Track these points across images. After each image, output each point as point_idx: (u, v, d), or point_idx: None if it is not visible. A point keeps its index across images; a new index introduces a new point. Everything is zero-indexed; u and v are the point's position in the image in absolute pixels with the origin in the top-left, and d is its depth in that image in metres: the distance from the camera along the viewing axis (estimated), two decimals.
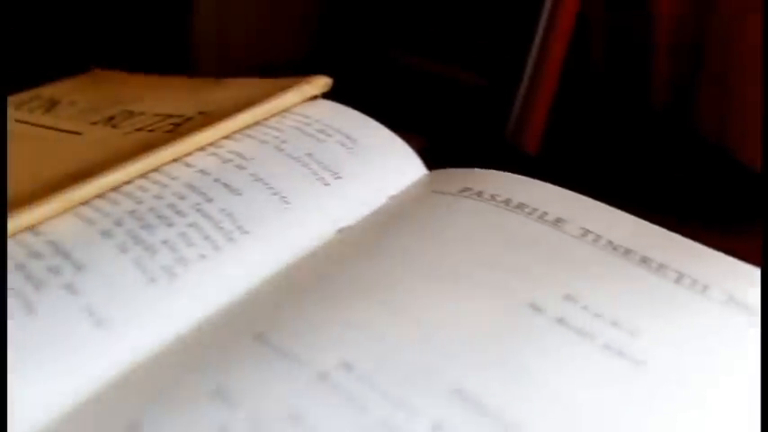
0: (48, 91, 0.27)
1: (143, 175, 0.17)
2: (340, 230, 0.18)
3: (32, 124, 0.23)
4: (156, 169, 0.18)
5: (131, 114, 0.22)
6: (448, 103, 0.27)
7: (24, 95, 0.27)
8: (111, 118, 0.22)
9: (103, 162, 0.18)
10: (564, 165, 0.27)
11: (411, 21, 0.29)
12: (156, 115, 0.22)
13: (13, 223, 0.15)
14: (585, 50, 0.30)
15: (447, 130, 0.24)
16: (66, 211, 0.16)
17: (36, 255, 0.15)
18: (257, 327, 0.14)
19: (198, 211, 0.17)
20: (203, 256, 0.16)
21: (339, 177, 0.19)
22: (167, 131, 0.20)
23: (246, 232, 0.17)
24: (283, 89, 0.21)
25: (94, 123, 0.22)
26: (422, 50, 0.28)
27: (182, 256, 0.16)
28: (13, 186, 0.18)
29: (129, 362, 0.14)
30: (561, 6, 0.25)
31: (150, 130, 0.20)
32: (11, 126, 0.24)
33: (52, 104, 0.25)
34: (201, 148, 0.19)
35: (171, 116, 0.21)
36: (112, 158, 0.18)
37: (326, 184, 0.19)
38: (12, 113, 0.25)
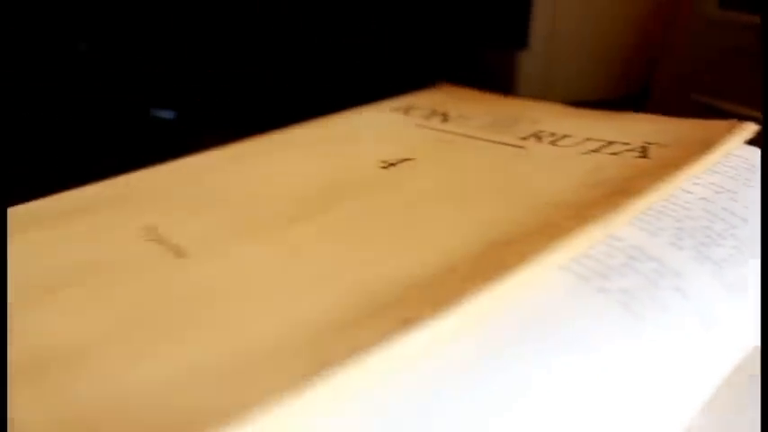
0: (420, 101, 0.29)
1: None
2: None
3: (447, 132, 0.25)
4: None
5: (555, 135, 0.24)
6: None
7: (393, 103, 0.29)
8: (538, 136, 0.24)
9: (617, 179, 0.20)
10: None
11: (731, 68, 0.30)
12: (589, 140, 0.23)
13: (606, 227, 0.17)
14: None
15: None
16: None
17: (633, 257, 0.16)
18: None
19: (732, 236, 0.18)
20: None
21: None
22: (638, 157, 0.21)
23: None
24: (705, 130, 0.23)
25: (524, 139, 0.24)
26: (740, 97, 0.30)
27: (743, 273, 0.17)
28: (537, 194, 0.19)
29: (732, 365, 0.16)
30: None
31: (612, 153, 0.22)
32: (412, 131, 0.26)
33: (443, 115, 0.27)
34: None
35: (613, 143, 0.23)
36: (617, 177, 0.20)
37: None
38: (401, 118, 0.27)
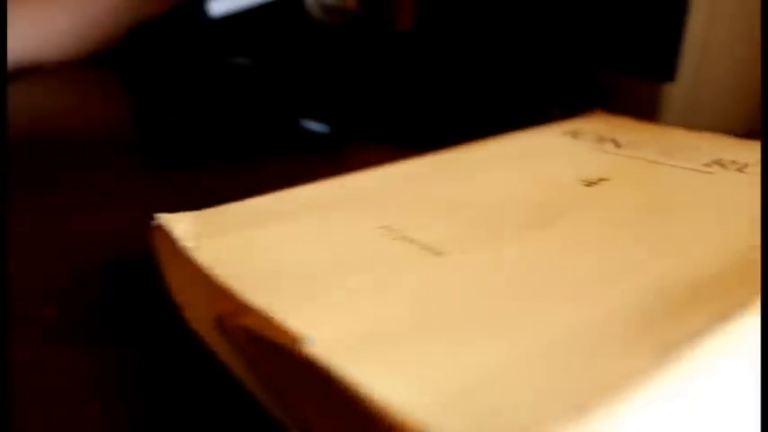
0: (584, 127, 0.31)
1: None
2: None
3: (629, 156, 0.27)
4: None
5: (737, 163, 0.26)
6: None
7: (558, 128, 0.31)
8: (721, 164, 0.26)
9: None
10: None
11: None
12: None
13: None
14: None
15: None
16: None
17: None
18: None
19: None
20: None
21: None
22: None
23: None
24: None
25: (708, 165, 0.26)
26: None
27: None
28: None
29: None
30: None
31: None
32: (596, 154, 0.27)
33: (614, 141, 0.29)
34: None
35: None
36: None
37: None
38: (573, 142, 0.29)
